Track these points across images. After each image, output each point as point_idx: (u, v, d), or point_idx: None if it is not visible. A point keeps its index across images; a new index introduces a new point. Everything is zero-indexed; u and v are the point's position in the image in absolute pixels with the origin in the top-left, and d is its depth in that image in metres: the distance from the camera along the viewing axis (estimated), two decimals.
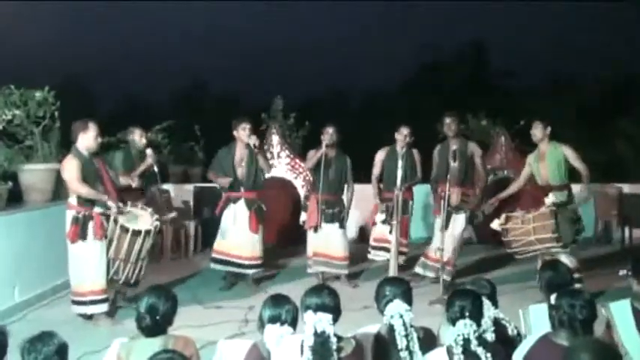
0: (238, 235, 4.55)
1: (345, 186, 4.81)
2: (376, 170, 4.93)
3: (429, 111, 7.39)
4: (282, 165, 7.06)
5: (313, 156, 4.73)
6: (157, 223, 3.98)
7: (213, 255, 4.64)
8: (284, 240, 6.68)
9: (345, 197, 4.81)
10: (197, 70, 16.39)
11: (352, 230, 6.41)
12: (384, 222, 4.84)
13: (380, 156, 4.97)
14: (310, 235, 4.83)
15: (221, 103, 14.68)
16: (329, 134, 4.71)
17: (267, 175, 4.76)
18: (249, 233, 4.56)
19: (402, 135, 4.83)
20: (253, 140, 4.42)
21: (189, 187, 7.12)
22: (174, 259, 6.00)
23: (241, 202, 4.57)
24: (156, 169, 4.35)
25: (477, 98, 10.99)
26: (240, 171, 4.55)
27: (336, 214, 4.72)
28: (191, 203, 6.93)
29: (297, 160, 7.06)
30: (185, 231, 6.22)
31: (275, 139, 7.12)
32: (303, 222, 4.89)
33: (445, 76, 13.93)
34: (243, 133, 4.53)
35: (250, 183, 4.58)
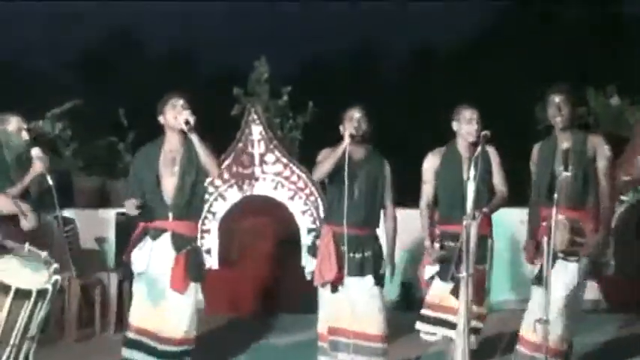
0: (156, 297, 4.72)
1: (383, 212, 4.98)
2: (427, 188, 5.10)
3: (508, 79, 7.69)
4: (267, 175, 7.19)
5: (327, 158, 4.87)
6: (58, 277, 4.08)
7: (127, 333, 4.80)
8: (269, 305, 6.86)
9: (382, 231, 4.98)
10: (122, 14, 16.68)
11: (392, 288, 6.35)
12: (443, 277, 4.95)
13: (431, 163, 5.12)
14: (324, 298, 4.95)
15: (164, 68, 15.36)
16: (355, 121, 4.87)
17: (213, 186, 5.10)
18: (170, 294, 4.70)
19: (470, 124, 5.01)
20: (185, 116, 4.64)
21: (109, 215, 7.17)
22: (82, 339, 6.09)
23: (165, 239, 4.71)
24: (50, 182, 4.46)
25: (602, 60, 11.26)
26: (170, 183, 4.72)
27: (368, 260, 4.88)
28: (112, 240, 7.03)
29: (295, 167, 7.20)
30: (101, 291, 6.30)
31: (256, 131, 7.23)
32: (310, 274, 4.99)
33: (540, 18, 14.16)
34: (171, 114, 4.72)
35: (183, 205, 4.73)
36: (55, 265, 4.16)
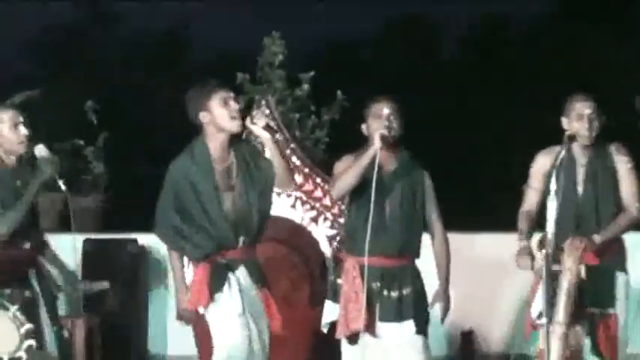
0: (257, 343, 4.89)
1: (430, 234, 5.12)
2: (532, 197, 5.23)
3: None
4: (284, 191, 6.97)
5: (350, 169, 4.98)
6: (32, 342, 4.30)
7: None
8: None
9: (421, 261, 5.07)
10: None
11: (442, 338, 6.32)
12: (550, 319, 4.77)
13: (542, 164, 5.22)
14: (350, 354, 4.99)
15: (142, 49, 15.54)
16: (384, 118, 4.98)
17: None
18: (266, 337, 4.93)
19: (582, 121, 5.08)
20: (263, 120, 4.92)
21: (73, 241, 6.93)
22: None
23: (241, 274, 4.91)
24: (63, 187, 4.86)
25: None
26: (230, 200, 4.90)
27: (408, 301, 4.98)
28: (78, 276, 6.83)
29: (319, 179, 7.16)
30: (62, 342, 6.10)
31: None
32: (327, 325, 5.11)
33: None
34: (223, 112, 4.87)
35: (254, 227, 4.97)
36: (28, 326, 4.31)
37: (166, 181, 4.90)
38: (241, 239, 4.81)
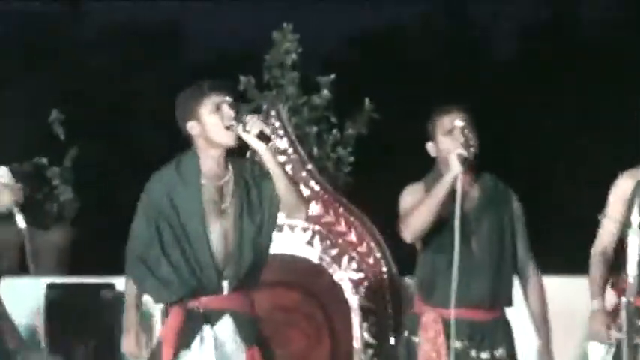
0: None
1: (520, 280, 5.19)
2: (609, 227, 5.24)
3: None
4: (297, 221, 7.04)
5: (423, 202, 5.00)
6: None
7: None
8: None
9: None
10: None
11: None
12: None
13: (622, 189, 5.25)
14: None
15: (125, 47, 15.72)
16: (458, 132, 5.00)
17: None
18: None
19: None
20: (257, 127, 4.74)
21: (35, 286, 7.22)
22: None
23: (225, 326, 4.81)
24: (21, 223, 5.02)
25: None
26: (218, 231, 4.84)
27: None
28: (39, 327, 7.18)
29: (343, 209, 7.15)
30: None
31: (278, 146, 7.24)
32: None
33: None
34: (215, 120, 4.77)
35: (245, 267, 4.85)
36: None
37: (143, 198, 4.84)
38: (226, 282, 4.72)
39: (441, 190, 4.83)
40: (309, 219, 7.14)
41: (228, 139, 4.70)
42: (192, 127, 4.73)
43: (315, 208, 7.14)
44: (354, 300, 7.06)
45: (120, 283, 7.33)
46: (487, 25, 17.29)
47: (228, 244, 4.79)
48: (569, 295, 6.08)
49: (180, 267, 4.73)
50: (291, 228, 7.14)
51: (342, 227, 7.09)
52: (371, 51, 14.98)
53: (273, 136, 6.98)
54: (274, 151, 5.08)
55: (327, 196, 7.12)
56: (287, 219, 5.24)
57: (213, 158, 4.79)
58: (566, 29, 16.64)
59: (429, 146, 5.02)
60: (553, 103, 12.93)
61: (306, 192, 7.03)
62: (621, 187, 5.21)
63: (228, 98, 4.77)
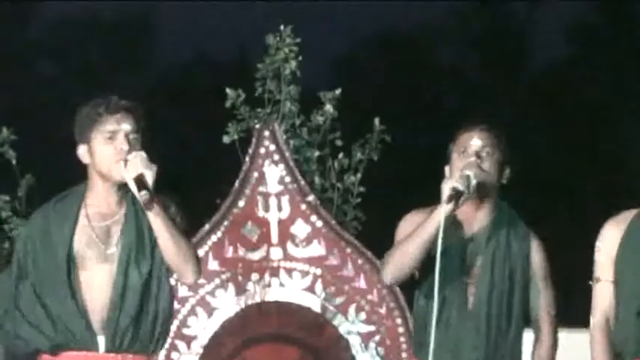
0: None
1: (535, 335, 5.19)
2: (603, 300, 5.12)
3: None
4: (295, 264, 7.26)
5: (411, 236, 5.02)
6: None
7: None
8: None
9: None
10: None
11: None
12: None
13: (609, 243, 5.14)
14: None
15: (87, 52, 16.39)
16: (474, 152, 5.04)
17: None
18: None
19: None
20: (136, 167, 4.71)
21: None
22: None
23: None
24: None
25: None
26: (100, 277, 4.87)
27: None
28: None
29: (350, 248, 7.23)
30: None
31: (272, 176, 7.33)
32: None
33: None
34: (105, 149, 4.79)
35: (126, 324, 4.87)
36: None
37: (18, 235, 4.94)
38: (102, 339, 4.74)
39: (425, 228, 4.84)
40: (310, 261, 7.18)
41: (116, 173, 4.68)
42: (83, 152, 4.74)
43: (317, 248, 7.17)
44: (362, 358, 7.10)
45: None
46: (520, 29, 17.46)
47: (111, 294, 4.77)
48: (578, 351, 5.90)
49: (40, 322, 4.72)
50: (289, 272, 7.17)
51: (348, 271, 7.12)
52: (385, 59, 14.66)
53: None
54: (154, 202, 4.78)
55: (331, 234, 7.14)
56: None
57: (105, 192, 4.78)
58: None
59: (446, 170, 5.04)
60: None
61: (306, 228, 7.16)
62: (607, 241, 5.08)
63: (126, 126, 4.71)
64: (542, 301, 5.05)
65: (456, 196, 4.77)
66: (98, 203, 4.79)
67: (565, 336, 5.39)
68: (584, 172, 13.72)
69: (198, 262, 4.93)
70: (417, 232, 4.87)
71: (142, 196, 4.56)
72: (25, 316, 4.75)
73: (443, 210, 4.76)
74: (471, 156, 4.90)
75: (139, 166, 4.58)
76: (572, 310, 5.62)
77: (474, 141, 4.94)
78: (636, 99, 14.10)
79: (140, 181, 4.55)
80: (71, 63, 15.84)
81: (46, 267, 4.74)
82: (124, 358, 4.79)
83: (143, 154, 4.64)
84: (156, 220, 4.64)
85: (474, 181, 4.84)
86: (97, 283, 4.75)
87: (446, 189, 4.77)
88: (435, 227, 4.78)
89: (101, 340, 4.74)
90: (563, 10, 16.83)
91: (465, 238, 4.96)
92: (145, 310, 4.79)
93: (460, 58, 15.75)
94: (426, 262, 4.88)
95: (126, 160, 4.63)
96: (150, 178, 4.57)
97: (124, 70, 15.52)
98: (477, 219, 5.00)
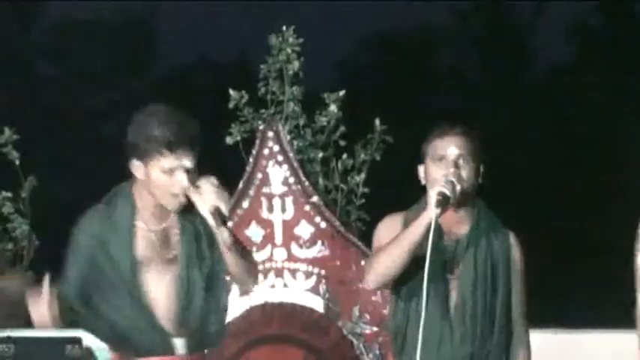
0: None
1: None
2: None
3: None
4: (299, 265, 7.24)
5: (393, 242, 5.03)
6: None
7: None
8: None
9: None
10: None
11: None
12: None
13: None
14: None
15: (90, 54, 16.20)
16: (453, 161, 5.02)
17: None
18: None
19: None
20: (209, 204, 4.72)
21: None
22: None
23: None
24: None
25: None
26: (163, 286, 4.90)
27: None
28: None
29: (353, 249, 7.21)
30: None
31: (276, 177, 7.30)
32: None
33: None
34: (163, 182, 4.81)
35: (197, 326, 4.95)
36: None
37: (74, 245, 4.82)
38: (179, 342, 4.80)
39: (413, 232, 4.83)
40: (314, 262, 7.15)
41: (171, 205, 4.72)
42: (136, 167, 4.72)
43: (320, 249, 7.14)
44: (366, 359, 7.09)
45: (87, 337, 7.54)
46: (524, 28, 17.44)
47: (177, 298, 4.84)
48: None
49: (115, 327, 4.78)
50: (292, 272, 7.15)
51: (352, 272, 7.09)
52: (390, 59, 14.62)
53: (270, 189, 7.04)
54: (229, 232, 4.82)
55: (335, 235, 7.11)
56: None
57: (154, 201, 4.77)
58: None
59: (420, 171, 5.07)
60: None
61: (310, 229, 7.13)
62: None
63: (186, 163, 4.68)
64: (519, 304, 5.07)
65: (444, 201, 4.77)
66: (149, 205, 4.80)
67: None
68: (584, 173, 13.71)
69: (257, 269, 5.14)
70: (403, 236, 4.87)
71: (224, 238, 4.60)
72: (102, 311, 4.76)
73: (433, 214, 4.74)
74: (449, 165, 4.89)
75: (213, 199, 4.58)
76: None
77: (451, 150, 4.92)
78: (637, 99, 14.12)
79: (216, 214, 4.55)
80: (73, 64, 15.85)
81: (110, 277, 4.75)
82: (199, 357, 4.89)
83: (214, 181, 4.65)
84: (229, 236, 4.65)
85: (458, 187, 4.84)
86: (164, 286, 4.80)
87: (433, 194, 4.77)
88: (422, 231, 4.77)
89: (178, 343, 4.81)
90: (564, 10, 16.85)
91: (446, 238, 4.95)
92: (212, 309, 4.89)
93: (461, 58, 15.75)
94: (409, 270, 4.88)
95: (197, 186, 4.62)
96: (225, 208, 4.59)
97: (126, 71, 15.53)
98: (457, 220, 4.99)
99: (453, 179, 4.83)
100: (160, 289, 4.80)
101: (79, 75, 15.56)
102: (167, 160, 4.58)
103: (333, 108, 7.83)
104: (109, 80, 14.81)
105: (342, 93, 7.82)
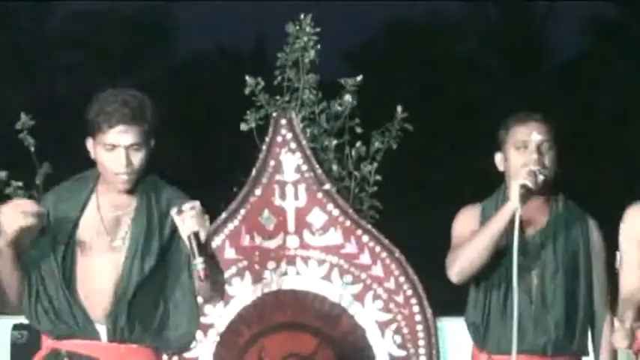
0: None
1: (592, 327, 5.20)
2: (631, 275, 5.05)
3: None
4: (312, 252, 7.23)
5: (476, 235, 5.06)
6: None
7: None
8: None
9: None
10: None
11: None
12: None
13: (635, 228, 5.11)
14: None
15: (105, 37, 16.56)
16: (535, 147, 5.03)
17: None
18: None
19: None
20: (188, 229, 4.71)
21: (3, 327, 7.42)
22: None
23: None
24: None
25: None
26: (104, 266, 4.86)
27: None
28: None
29: (367, 237, 7.19)
30: None
31: (290, 164, 7.32)
32: None
33: None
34: (106, 159, 4.77)
35: (128, 316, 4.85)
36: None
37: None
38: (103, 329, 4.72)
39: (495, 225, 4.89)
40: (327, 249, 7.16)
41: (117, 184, 4.70)
42: (90, 145, 4.73)
43: (333, 237, 7.13)
44: (379, 346, 7.06)
45: None
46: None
47: (112, 286, 4.76)
48: None
49: (44, 308, 4.72)
50: (305, 260, 7.15)
51: (365, 259, 7.08)
52: (406, 48, 14.50)
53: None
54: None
55: (347, 222, 7.10)
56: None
57: (110, 186, 4.78)
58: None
59: (498, 158, 5.07)
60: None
61: (323, 217, 7.14)
62: (633, 226, 5.02)
63: (126, 141, 4.64)
64: (602, 285, 5.08)
65: (527, 194, 4.81)
66: (109, 192, 4.77)
67: None
68: (604, 166, 13.66)
69: (224, 288, 5.16)
70: (486, 230, 4.93)
71: (199, 270, 4.54)
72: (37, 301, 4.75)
73: (519, 208, 4.79)
74: (532, 152, 4.92)
75: (192, 224, 4.56)
76: None
77: (534, 136, 4.95)
78: None
79: (193, 239, 4.53)
80: (92, 52, 15.86)
81: (45, 249, 4.72)
82: (127, 348, 4.78)
83: (199, 206, 4.62)
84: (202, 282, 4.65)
85: (540, 177, 4.87)
86: (98, 272, 4.74)
87: (515, 187, 4.81)
88: (503, 224, 4.84)
89: (102, 330, 4.73)
90: (581, 3, 16.85)
91: (526, 228, 4.96)
92: (148, 303, 4.79)
93: (479, 47, 15.69)
94: (491, 261, 4.94)
95: (181, 211, 4.60)
96: (203, 235, 4.56)
97: (144, 59, 15.56)
98: (537, 209, 5.01)
99: (535, 169, 4.87)
100: (94, 274, 4.73)
101: (97, 63, 15.57)
102: (106, 136, 4.57)
103: (348, 96, 7.80)
104: (127, 68, 14.81)
105: (359, 78, 7.76)
